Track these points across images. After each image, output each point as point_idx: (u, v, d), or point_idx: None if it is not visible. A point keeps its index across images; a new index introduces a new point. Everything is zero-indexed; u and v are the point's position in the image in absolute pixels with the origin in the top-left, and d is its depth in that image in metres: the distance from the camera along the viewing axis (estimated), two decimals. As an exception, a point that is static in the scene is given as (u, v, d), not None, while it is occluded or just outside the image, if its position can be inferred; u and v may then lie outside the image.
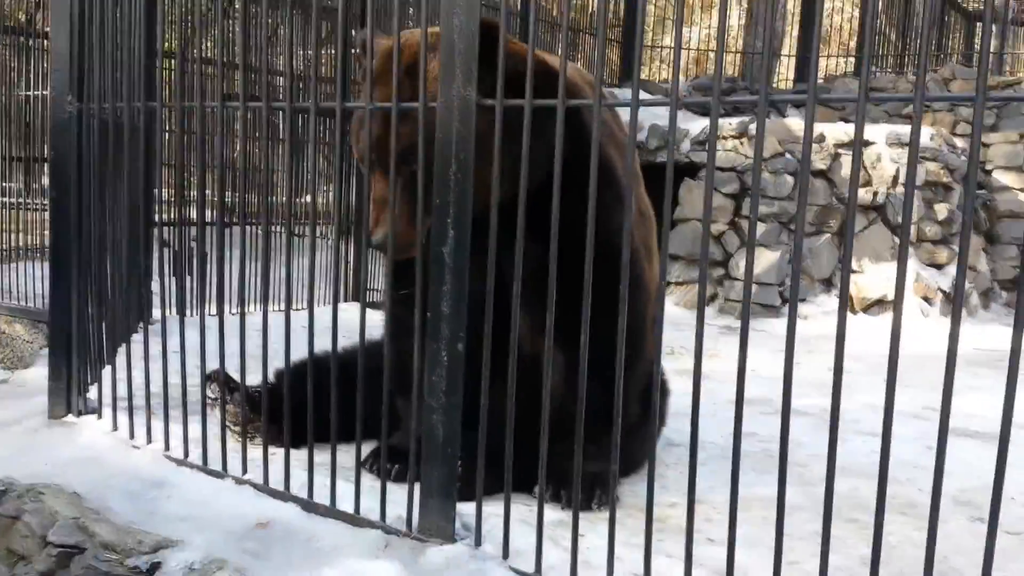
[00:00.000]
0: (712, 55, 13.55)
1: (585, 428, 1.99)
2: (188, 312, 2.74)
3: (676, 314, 7.01)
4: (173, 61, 5.04)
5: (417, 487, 2.17)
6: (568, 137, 1.91)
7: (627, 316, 1.82)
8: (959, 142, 8.58)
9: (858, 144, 1.59)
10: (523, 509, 2.36)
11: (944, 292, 7.54)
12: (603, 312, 1.92)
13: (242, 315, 2.49)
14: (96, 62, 2.90)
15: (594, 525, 2.35)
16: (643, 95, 1.88)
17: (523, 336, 2.49)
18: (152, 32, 3.48)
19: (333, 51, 7.51)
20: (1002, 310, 8.57)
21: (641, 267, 2.68)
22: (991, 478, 3.11)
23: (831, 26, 14.67)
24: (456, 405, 2.07)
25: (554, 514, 2.38)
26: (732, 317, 7.17)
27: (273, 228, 6.96)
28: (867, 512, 2.86)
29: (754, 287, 7.25)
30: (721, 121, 7.75)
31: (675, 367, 5.09)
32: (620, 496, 2.71)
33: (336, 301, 2.35)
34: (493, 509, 2.16)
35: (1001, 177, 8.95)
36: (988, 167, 8.99)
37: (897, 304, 1.59)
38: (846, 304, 1.68)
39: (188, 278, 3.57)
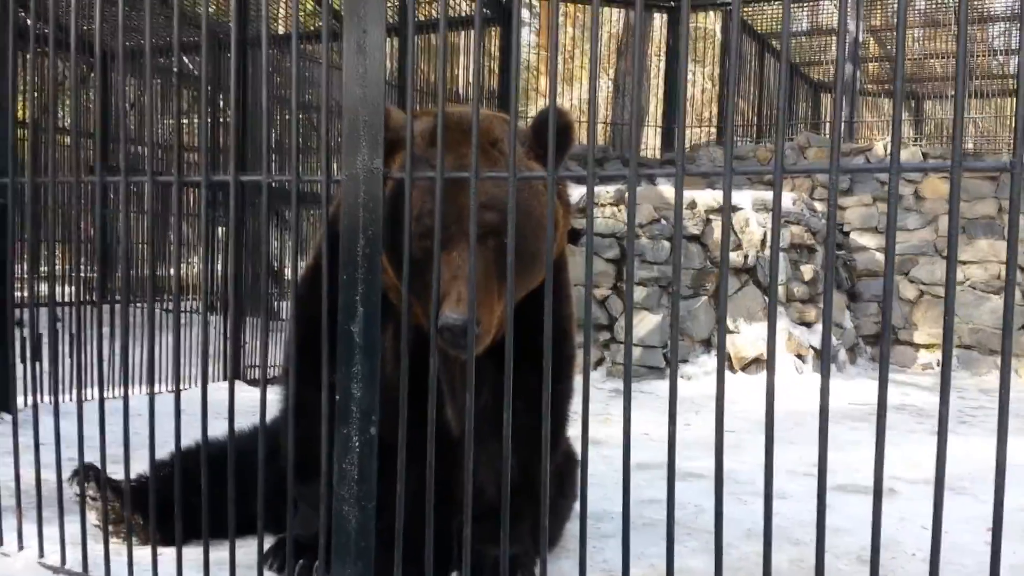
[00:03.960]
0: (581, 124, 13.99)
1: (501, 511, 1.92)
2: (54, 397, 2.50)
3: (574, 380, 7.01)
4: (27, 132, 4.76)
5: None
6: None
7: (557, 399, 1.79)
8: (819, 206, 9.08)
9: (727, 211, 1.64)
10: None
11: (815, 349, 7.87)
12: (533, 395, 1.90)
13: (126, 398, 2.30)
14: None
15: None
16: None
17: (448, 421, 2.42)
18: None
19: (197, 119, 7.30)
20: (868, 364, 9.02)
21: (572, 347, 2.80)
22: (889, 534, 3.18)
23: (691, 101, 15.43)
24: (369, 494, 1.95)
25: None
26: (620, 380, 7.25)
27: (137, 304, 6.63)
28: (783, 577, 2.87)
29: (638, 350, 7.37)
30: (598, 189, 7.94)
31: (572, 433, 5.07)
32: (536, 576, 2.63)
33: (205, 381, 2.20)
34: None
35: (858, 238, 9.51)
36: (846, 229, 9.54)
37: (770, 364, 1.62)
38: (723, 367, 1.69)
39: (39, 362, 3.29)
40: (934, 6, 13.24)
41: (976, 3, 12.32)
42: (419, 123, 2.25)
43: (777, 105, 1.69)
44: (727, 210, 1.64)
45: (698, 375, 7.17)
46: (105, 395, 2.34)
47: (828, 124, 13.72)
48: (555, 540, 2.78)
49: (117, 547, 2.39)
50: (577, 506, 3.39)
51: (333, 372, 1.96)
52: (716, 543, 1.68)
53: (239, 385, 3.56)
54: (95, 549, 2.41)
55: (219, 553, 2.25)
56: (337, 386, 1.94)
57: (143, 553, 2.37)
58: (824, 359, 1.59)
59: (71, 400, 2.51)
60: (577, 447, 3.49)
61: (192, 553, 2.30)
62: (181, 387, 2.24)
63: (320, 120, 1.95)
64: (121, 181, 2.27)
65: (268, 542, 2.48)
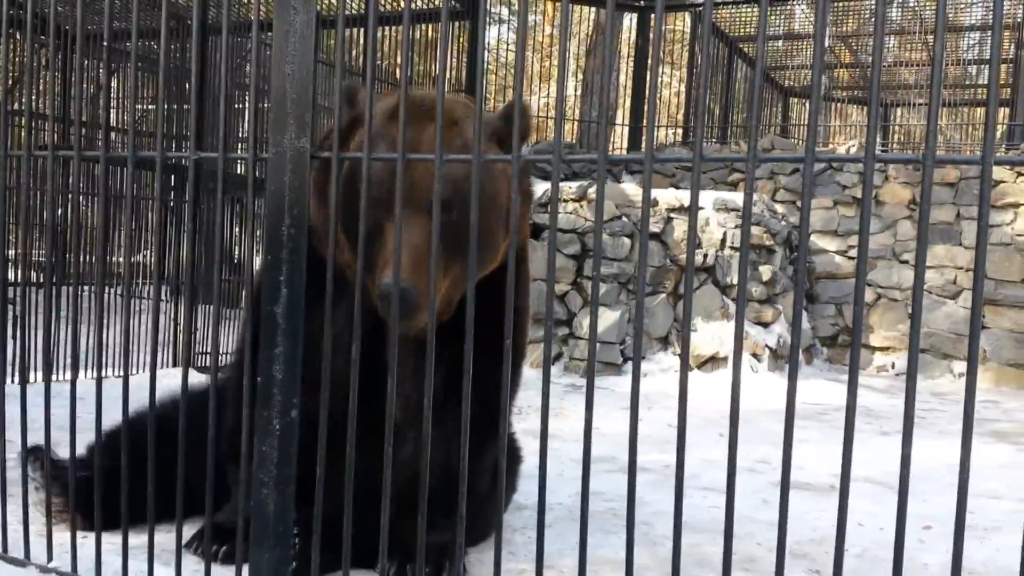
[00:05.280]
0: (550, 122, 13.99)
1: (437, 500, 1.90)
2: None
3: (523, 374, 7.01)
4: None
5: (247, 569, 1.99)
6: None
7: (499, 389, 1.78)
8: (779, 208, 9.15)
9: (694, 202, 1.61)
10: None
11: (771, 349, 7.93)
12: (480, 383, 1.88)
13: (73, 382, 2.25)
14: None
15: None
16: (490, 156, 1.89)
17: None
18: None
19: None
20: (824, 365, 9.11)
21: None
22: (825, 530, 3.21)
23: (660, 99, 15.50)
24: (289, 478, 1.92)
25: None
26: (577, 375, 7.26)
27: (91, 289, 6.51)
28: (711, 569, 2.88)
29: (597, 346, 7.37)
30: (561, 185, 7.93)
31: (523, 427, 5.07)
32: (468, 567, 2.61)
33: (154, 368, 2.16)
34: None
35: (818, 241, 9.60)
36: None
37: (736, 365, 1.60)
38: (687, 364, 1.68)
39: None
40: (906, 16, 13.41)
41: (948, 11, 12.47)
42: (383, 101, 2.28)
43: (752, 90, 1.68)
44: (695, 201, 1.61)
45: (654, 372, 7.20)
46: (53, 379, 2.30)
47: (797, 128, 13.85)
48: (488, 532, 2.76)
49: (38, 529, 2.35)
50: (518, 498, 3.40)
51: (255, 352, 1.93)
52: (675, 538, 1.68)
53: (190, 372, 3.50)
54: (15, 530, 2.37)
55: (142, 538, 2.22)
56: (259, 368, 1.91)
57: (65, 538, 2.32)
58: (792, 361, 1.56)
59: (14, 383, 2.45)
60: (527, 441, 3.49)
61: (134, 539, 2.26)
62: (130, 372, 2.19)
63: (250, 98, 1.92)
64: (49, 156, 2.23)
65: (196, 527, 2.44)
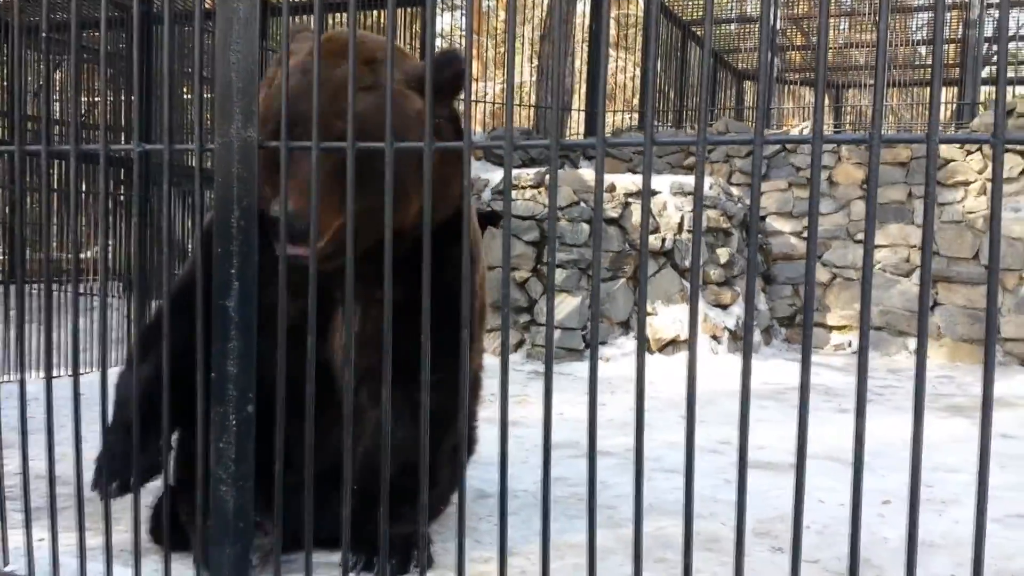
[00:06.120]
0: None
1: (401, 489, 1.89)
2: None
3: (485, 361, 7.00)
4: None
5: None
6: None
7: (456, 370, 1.74)
8: (735, 190, 9.22)
9: (646, 186, 1.60)
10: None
11: (730, 331, 8.01)
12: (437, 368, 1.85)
13: (22, 382, 2.19)
14: None
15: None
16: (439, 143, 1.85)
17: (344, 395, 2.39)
18: None
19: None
20: (782, 346, 9.22)
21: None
22: (785, 508, 3.25)
23: (615, 84, 15.53)
24: (247, 474, 1.89)
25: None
26: (539, 362, 7.26)
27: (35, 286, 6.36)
28: (674, 550, 2.90)
29: (557, 332, 7.39)
30: (518, 172, 7.92)
31: (484, 415, 5.07)
32: (435, 555, 2.60)
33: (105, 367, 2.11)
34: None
35: (774, 222, 9.70)
36: (762, 213, 9.72)
37: (692, 346, 1.60)
38: (644, 347, 1.68)
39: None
40: (854, -2, 13.57)
41: (890, -6, 12.64)
42: (308, 43, 2.27)
43: (702, 73, 1.66)
44: (647, 185, 1.60)
45: (616, 356, 7.23)
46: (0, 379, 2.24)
47: (751, 111, 13.96)
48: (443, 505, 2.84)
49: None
50: (483, 486, 3.39)
51: (207, 346, 1.89)
52: (636, 520, 1.67)
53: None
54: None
55: (99, 539, 2.17)
56: (212, 364, 1.88)
57: (18, 540, 2.26)
58: (747, 340, 1.55)
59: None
60: (487, 427, 3.48)
61: (91, 540, 2.21)
62: (80, 371, 2.14)
63: (194, 87, 1.87)
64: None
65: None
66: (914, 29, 15.41)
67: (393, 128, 1.73)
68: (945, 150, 8.95)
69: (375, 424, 2.42)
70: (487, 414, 4.87)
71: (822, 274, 9.45)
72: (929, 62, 14.71)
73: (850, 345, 9.21)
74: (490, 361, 7.28)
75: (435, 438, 1.91)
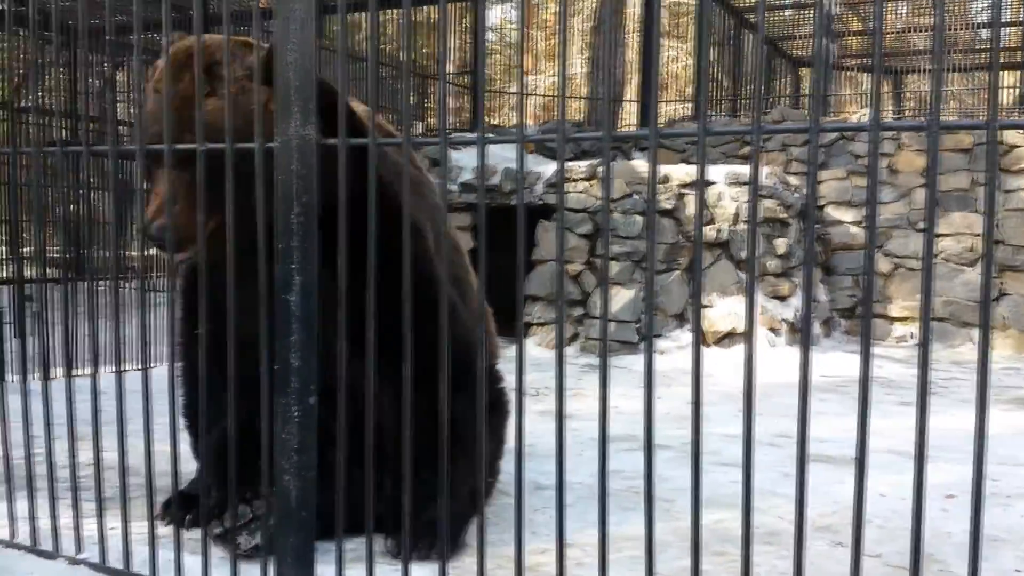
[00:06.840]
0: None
1: (432, 467, 1.91)
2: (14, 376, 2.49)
3: (538, 355, 7.03)
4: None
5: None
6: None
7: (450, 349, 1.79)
8: (792, 180, 9.08)
9: (701, 176, 1.60)
10: (388, 568, 2.23)
11: (788, 323, 7.90)
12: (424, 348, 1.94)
13: (94, 377, 2.27)
14: None
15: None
16: (493, 136, 1.86)
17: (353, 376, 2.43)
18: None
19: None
20: (842, 338, 9.07)
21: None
22: (845, 502, 3.20)
23: (668, 74, 15.38)
24: (310, 464, 1.93)
25: (421, 569, 2.27)
26: (593, 355, 7.25)
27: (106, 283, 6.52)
28: (733, 544, 2.88)
29: (611, 325, 7.37)
30: (570, 164, 7.91)
31: (539, 408, 5.08)
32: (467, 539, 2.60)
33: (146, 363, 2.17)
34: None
35: (833, 212, 9.53)
36: (821, 202, 9.56)
37: (749, 337, 1.59)
38: (700, 340, 1.67)
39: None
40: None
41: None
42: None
43: (756, 60, 1.65)
44: (701, 175, 1.60)
45: (671, 349, 7.18)
46: (73, 373, 2.34)
47: (808, 99, 13.72)
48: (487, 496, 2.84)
49: (66, 522, 2.38)
50: (539, 478, 3.40)
51: (272, 336, 1.94)
52: (694, 513, 1.67)
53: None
54: (45, 524, 2.39)
55: (167, 528, 2.23)
56: (276, 356, 1.92)
57: (92, 530, 2.34)
58: (804, 332, 1.54)
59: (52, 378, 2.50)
60: (541, 421, 3.49)
61: (140, 528, 2.28)
62: (149, 365, 2.21)
63: (256, 87, 1.92)
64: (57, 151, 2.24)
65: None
66: (975, 12, 14.96)
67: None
68: (1009, 136, 8.70)
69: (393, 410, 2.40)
70: (540, 407, 4.89)
71: (883, 264, 9.27)
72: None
73: (912, 336, 9.02)
74: (543, 354, 7.30)
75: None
